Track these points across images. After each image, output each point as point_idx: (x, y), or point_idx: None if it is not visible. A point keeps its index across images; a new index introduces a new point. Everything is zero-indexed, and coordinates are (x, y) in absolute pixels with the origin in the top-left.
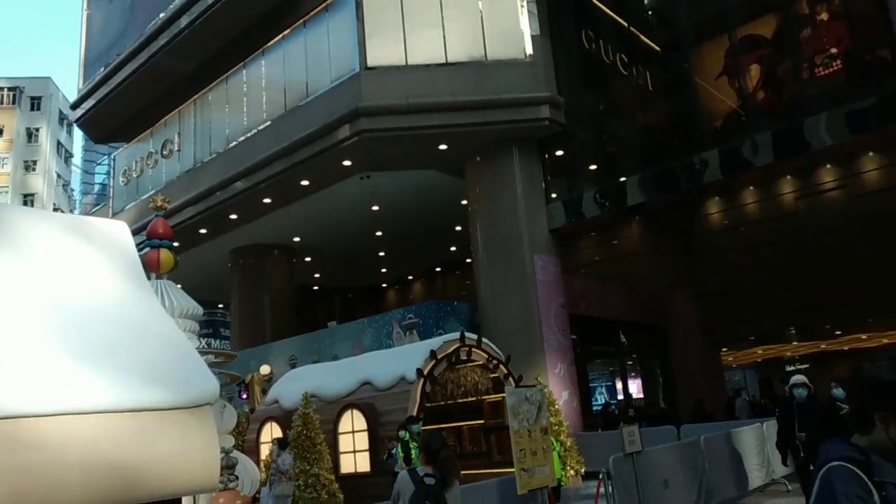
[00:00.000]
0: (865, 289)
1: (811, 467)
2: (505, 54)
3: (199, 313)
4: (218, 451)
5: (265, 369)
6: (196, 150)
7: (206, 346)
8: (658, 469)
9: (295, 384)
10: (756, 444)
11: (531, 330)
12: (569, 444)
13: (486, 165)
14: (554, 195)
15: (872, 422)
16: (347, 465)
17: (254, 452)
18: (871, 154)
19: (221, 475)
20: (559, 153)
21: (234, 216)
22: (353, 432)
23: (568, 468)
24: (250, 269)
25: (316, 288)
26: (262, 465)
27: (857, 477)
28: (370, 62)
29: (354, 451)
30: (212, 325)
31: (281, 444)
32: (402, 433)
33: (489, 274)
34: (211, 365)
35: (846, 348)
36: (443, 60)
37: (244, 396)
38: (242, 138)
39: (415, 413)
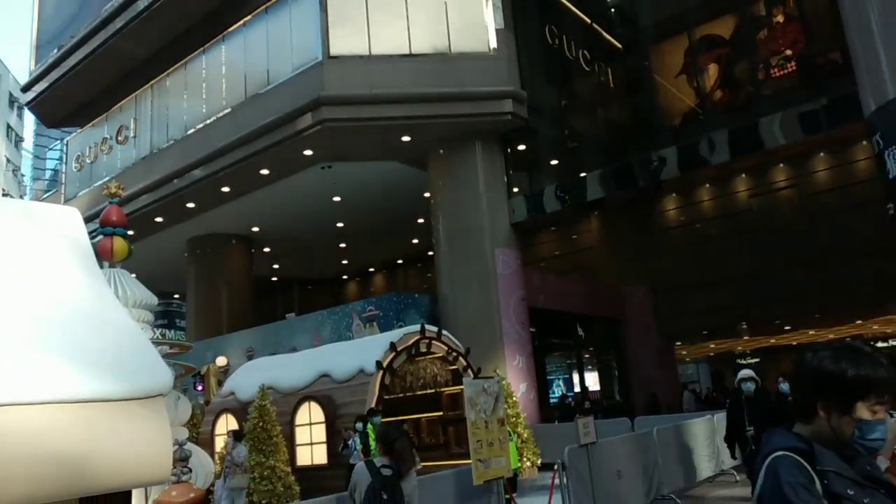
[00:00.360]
0: (814, 286)
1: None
2: (469, 47)
3: (154, 303)
4: (170, 443)
5: (221, 361)
6: (153, 137)
7: (160, 337)
8: (612, 460)
9: (252, 376)
10: (707, 436)
11: (491, 322)
12: (525, 435)
13: (448, 158)
14: (515, 189)
15: (815, 411)
16: (304, 457)
17: (208, 445)
18: (821, 154)
19: (174, 467)
20: (521, 147)
21: (191, 205)
22: (310, 424)
23: (524, 459)
24: (208, 259)
25: (275, 279)
26: (216, 457)
27: (801, 466)
28: (333, 51)
29: (311, 444)
30: (167, 315)
31: (236, 436)
32: (358, 425)
33: (450, 267)
34: (165, 356)
35: (795, 343)
36: (407, 52)
37: (199, 388)
38: (201, 125)
39: (374, 405)
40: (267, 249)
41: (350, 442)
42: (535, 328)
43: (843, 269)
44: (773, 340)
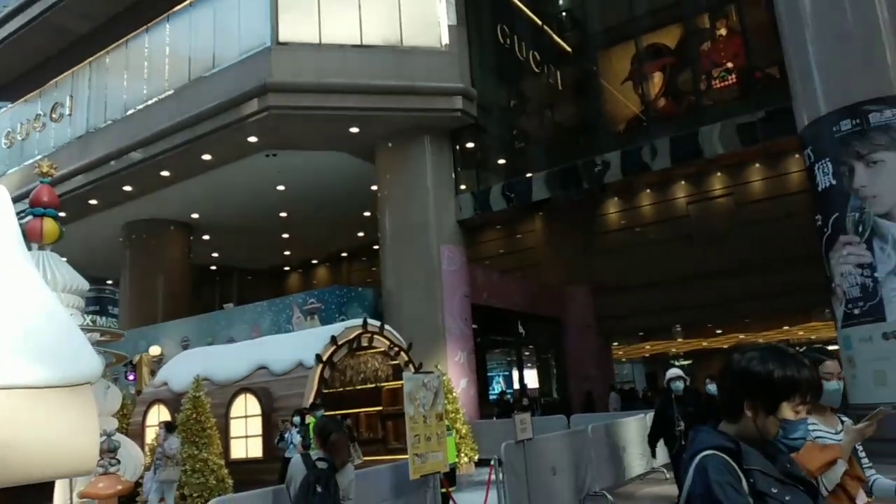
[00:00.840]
0: (745, 291)
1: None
2: (421, 42)
3: (85, 288)
4: (97, 433)
5: (155, 350)
6: (90, 116)
7: (90, 324)
8: (547, 456)
9: (186, 366)
10: (639, 435)
11: (434, 318)
12: (464, 431)
13: (397, 152)
14: (463, 187)
15: (741, 411)
16: (238, 450)
17: (139, 436)
18: (757, 165)
19: (101, 458)
20: (469, 145)
21: (128, 188)
22: (245, 417)
23: (462, 455)
24: (144, 244)
25: (214, 268)
26: (146, 448)
27: (729, 465)
28: (282, 37)
29: (247, 436)
30: (99, 302)
31: (168, 427)
32: (296, 419)
33: (395, 261)
34: (95, 343)
35: (726, 346)
36: (358, 42)
37: (131, 377)
38: (141, 106)
39: (311, 399)
40: (207, 237)
41: (287, 435)
42: (477, 325)
43: (773, 276)
44: (704, 343)
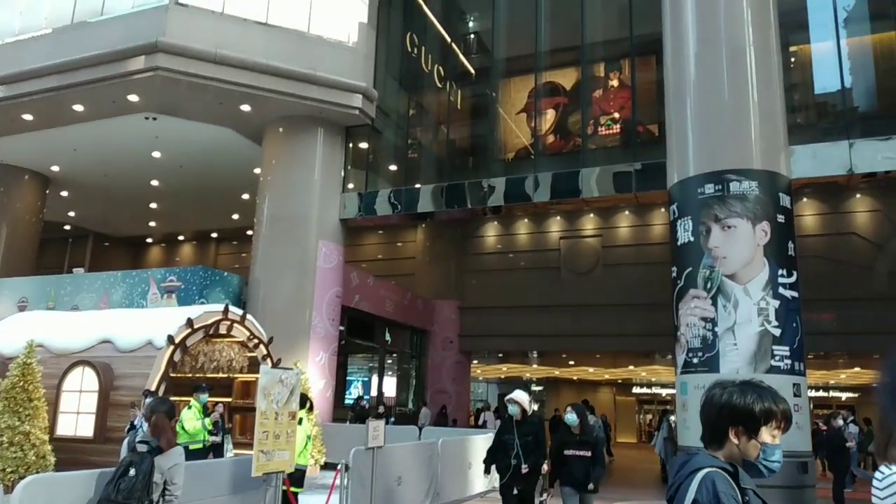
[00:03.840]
0: (600, 328)
1: (514, 491)
2: (328, 33)
3: None
4: None
5: None
6: None
7: None
8: (395, 466)
9: (20, 329)
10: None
11: (301, 314)
12: (314, 432)
13: (287, 138)
14: (351, 185)
15: (726, 436)
16: (67, 426)
17: None
18: (626, 212)
19: None
20: (363, 145)
21: None
22: (80, 392)
23: (310, 457)
24: None
25: (67, 227)
26: None
27: (730, 482)
28: None
29: (78, 413)
30: None
31: None
32: (149, 400)
33: (269, 250)
34: None
35: (575, 378)
36: (263, 20)
37: None
38: (11, 40)
39: (157, 381)
40: (65, 193)
41: (136, 422)
42: (344, 327)
43: (627, 316)
44: (557, 372)
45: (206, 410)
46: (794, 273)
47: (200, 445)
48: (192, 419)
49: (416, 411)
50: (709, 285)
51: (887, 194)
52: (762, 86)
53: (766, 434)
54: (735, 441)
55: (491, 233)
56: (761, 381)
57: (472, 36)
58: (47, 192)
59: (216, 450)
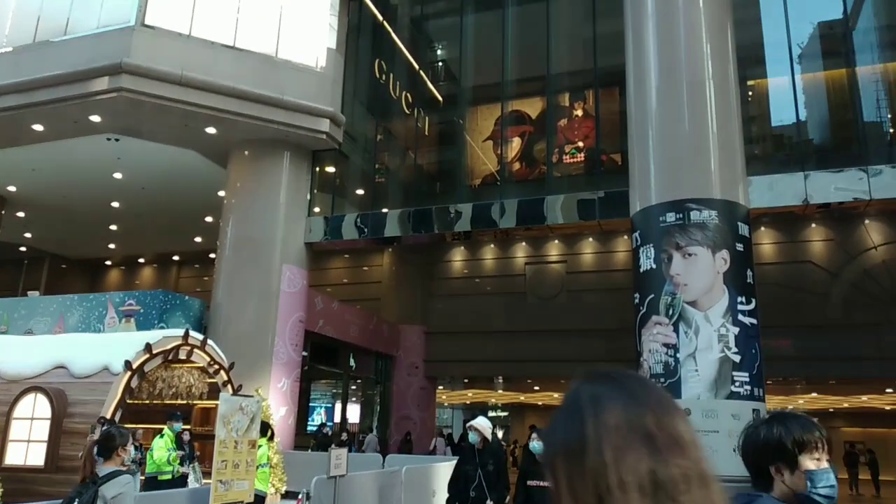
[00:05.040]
0: (565, 353)
1: None
2: (296, 58)
3: None
4: None
5: None
6: None
7: None
8: (357, 494)
9: None
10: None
11: (264, 340)
12: (275, 460)
13: (253, 161)
14: (317, 209)
15: (770, 477)
16: (16, 455)
17: None
18: (590, 239)
19: None
20: (330, 170)
21: None
22: (31, 419)
23: (270, 486)
24: None
25: (24, 249)
26: None
27: None
28: (149, 20)
29: (29, 441)
30: None
31: None
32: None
33: (231, 274)
34: None
35: (540, 403)
36: (230, 43)
37: None
38: None
39: (112, 409)
40: (21, 214)
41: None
42: (307, 352)
43: (591, 342)
44: (522, 398)
45: (179, 440)
46: (753, 300)
47: (169, 476)
48: (161, 448)
49: (384, 438)
50: (670, 312)
51: (841, 224)
52: (721, 118)
53: (808, 460)
54: (780, 477)
55: (457, 258)
56: (792, 409)
57: (440, 64)
58: (2, 212)
59: (182, 480)
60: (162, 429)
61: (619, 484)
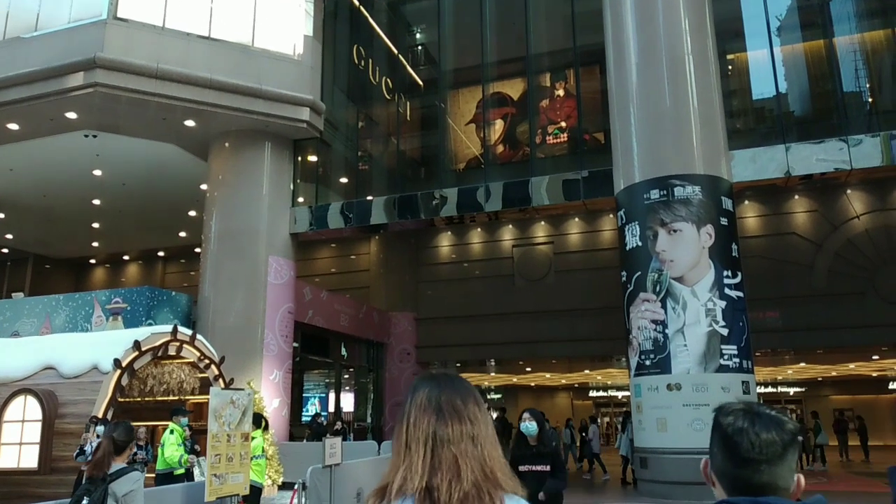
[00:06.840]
0: (555, 334)
1: None
2: (273, 46)
3: None
4: None
5: None
6: None
7: None
8: (353, 482)
9: None
10: None
11: (253, 332)
12: (271, 452)
13: (233, 153)
14: (301, 199)
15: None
16: (9, 459)
17: None
18: (576, 219)
19: None
20: (312, 159)
21: None
22: (22, 421)
23: (266, 477)
24: None
25: (6, 250)
26: None
27: None
28: (121, 12)
29: (21, 444)
30: None
31: None
32: (99, 428)
33: (217, 268)
34: None
35: (532, 384)
36: (205, 34)
37: None
38: None
39: (104, 407)
40: (1, 215)
41: (87, 448)
42: (298, 344)
43: (580, 322)
44: (514, 379)
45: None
46: (739, 274)
47: (183, 471)
48: (172, 444)
49: (378, 425)
50: (658, 288)
51: (824, 195)
52: (702, 93)
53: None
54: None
55: (445, 243)
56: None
57: (420, 48)
58: None
59: (190, 473)
60: (155, 426)
61: (414, 438)
